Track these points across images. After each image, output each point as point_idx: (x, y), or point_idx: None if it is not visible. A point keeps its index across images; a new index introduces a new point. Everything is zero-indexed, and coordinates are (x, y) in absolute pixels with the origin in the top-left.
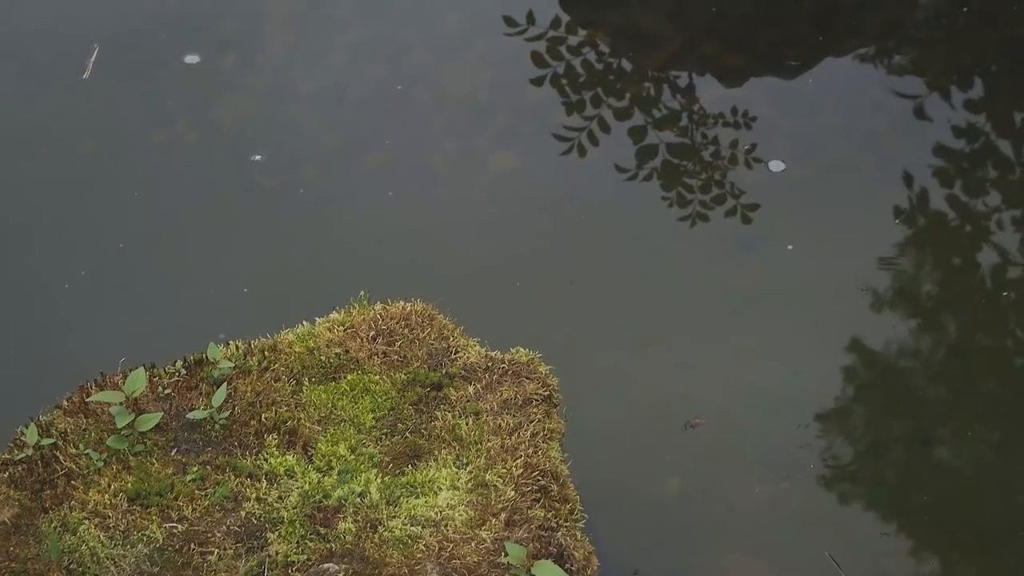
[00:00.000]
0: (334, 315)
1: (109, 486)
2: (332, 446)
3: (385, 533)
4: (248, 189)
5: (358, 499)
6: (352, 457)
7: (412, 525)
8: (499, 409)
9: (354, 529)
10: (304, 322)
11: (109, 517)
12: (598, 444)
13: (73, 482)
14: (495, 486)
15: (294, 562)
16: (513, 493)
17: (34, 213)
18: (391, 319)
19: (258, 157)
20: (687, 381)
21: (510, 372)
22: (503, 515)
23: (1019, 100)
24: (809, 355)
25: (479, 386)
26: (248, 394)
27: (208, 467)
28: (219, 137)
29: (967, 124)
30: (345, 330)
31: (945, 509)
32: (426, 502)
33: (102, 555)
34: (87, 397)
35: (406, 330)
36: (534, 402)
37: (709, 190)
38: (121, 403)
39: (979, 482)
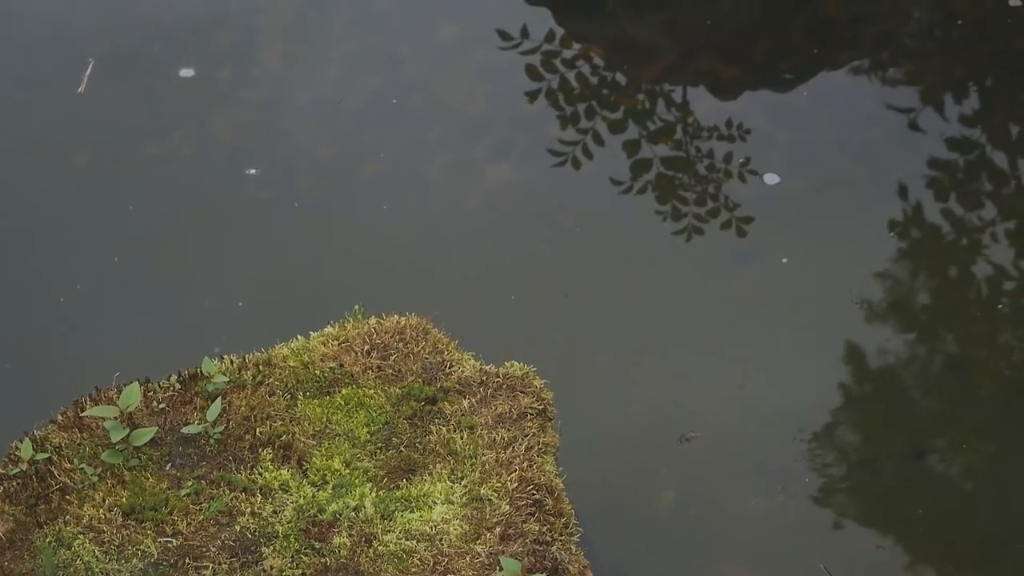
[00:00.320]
0: (329, 329)
1: (104, 501)
2: (327, 460)
3: (380, 547)
4: (243, 201)
5: (353, 513)
6: (347, 471)
7: (407, 539)
8: (494, 423)
9: (349, 543)
10: (299, 336)
11: (104, 532)
12: (593, 458)
13: (68, 497)
14: (490, 500)
15: None
16: (508, 507)
17: (30, 226)
18: (386, 333)
19: (253, 171)
20: (682, 394)
21: (505, 386)
22: (498, 529)
23: (1014, 112)
24: (804, 368)
25: (474, 400)
26: (243, 408)
27: (203, 482)
28: (215, 149)
29: (962, 136)
30: (340, 344)
31: (941, 521)
32: (421, 516)
33: (97, 570)
34: (81, 412)
35: (401, 344)
36: (529, 416)
37: (704, 203)
38: (116, 418)
39: (975, 494)
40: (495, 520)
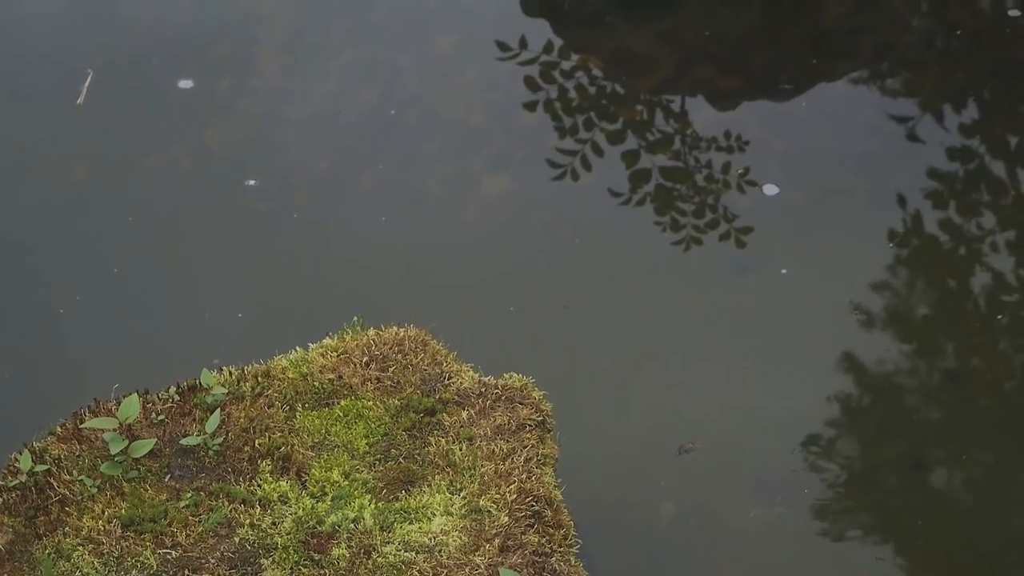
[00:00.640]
0: (327, 341)
1: (103, 512)
2: (326, 472)
3: (379, 559)
4: (242, 213)
5: (352, 525)
6: (346, 483)
7: (406, 551)
8: (493, 434)
9: (348, 555)
10: (297, 348)
11: (103, 543)
12: (592, 469)
13: (67, 508)
14: (489, 512)
15: None
16: (507, 519)
17: (28, 238)
18: (384, 345)
19: (252, 182)
20: (681, 405)
21: (503, 397)
22: (497, 541)
23: (1012, 122)
24: (803, 379)
25: (472, 412)
26: (242, 420)
27: (202, 493)
28: (213, 161)
29: (960, 147)
30: (338, 356)
31: (940, 532)
32: (420, 528)
33: None
34: (81, 423)
35: (399, 356)
36: (528, 427)
37: (703, 214)
38: (115, 429)
39: (974, 505)
40: (494, 532)
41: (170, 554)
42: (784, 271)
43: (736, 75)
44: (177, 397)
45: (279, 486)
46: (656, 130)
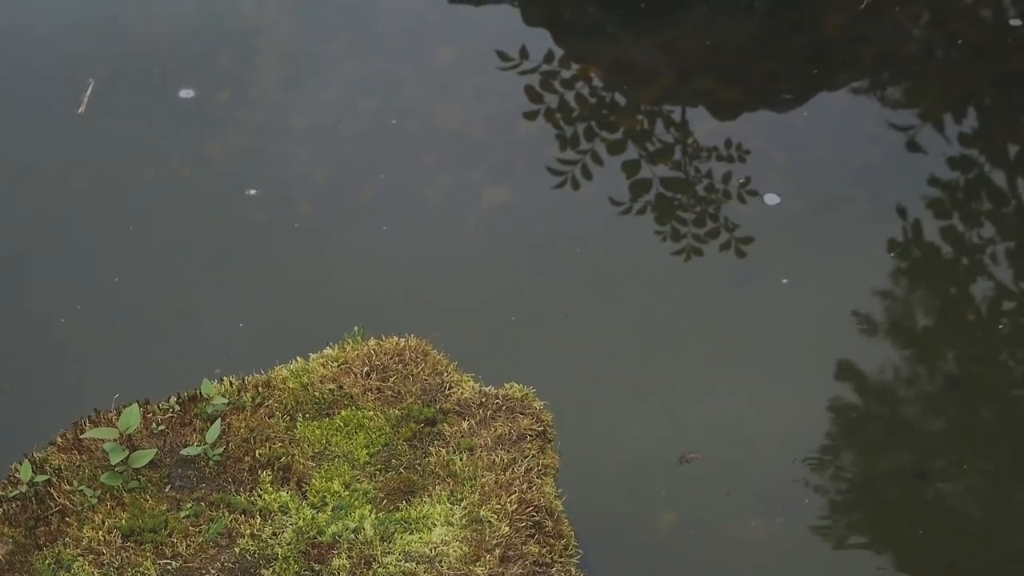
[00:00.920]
0: (328, 351)
1: (103, 523)
2: (326, 482)
3: (380, 570)
4: (242, 224)
5: (352, 535)
6: (346, 493)
7: (407, 561)
8: (493, 445)
9: (348, 566)
10: (298, 358)
11: (103, 554)
12: (593, 479)
13: (67, 519)
14: (489, 522)
15: None
16: (507, 529)
17: (29, 248)
18: (385, 355)
19: (252, 192)
20: (682, 415)
21: (504, 407)
22: (497, 551)
23: (1013, 132)
24: (804, 389)
25: (473, 422)
26: (242, 430)
27: (202, 504)
28: (213, 172)
29: (961, 156)
30: (339, 366)
31: (941, 542)
32: (420, 538)
33: None
34: (81, 433)
35: (400, 366)
36: (528, 437)
37: (703, 224)
38: (115, 440)
39: (975, 515)
40: (495, 542)
41: (170, 565)
42: (785, 281)
43: (737, 85)
44: (177, 407)
45: (279, 496)
46: (657, 140)
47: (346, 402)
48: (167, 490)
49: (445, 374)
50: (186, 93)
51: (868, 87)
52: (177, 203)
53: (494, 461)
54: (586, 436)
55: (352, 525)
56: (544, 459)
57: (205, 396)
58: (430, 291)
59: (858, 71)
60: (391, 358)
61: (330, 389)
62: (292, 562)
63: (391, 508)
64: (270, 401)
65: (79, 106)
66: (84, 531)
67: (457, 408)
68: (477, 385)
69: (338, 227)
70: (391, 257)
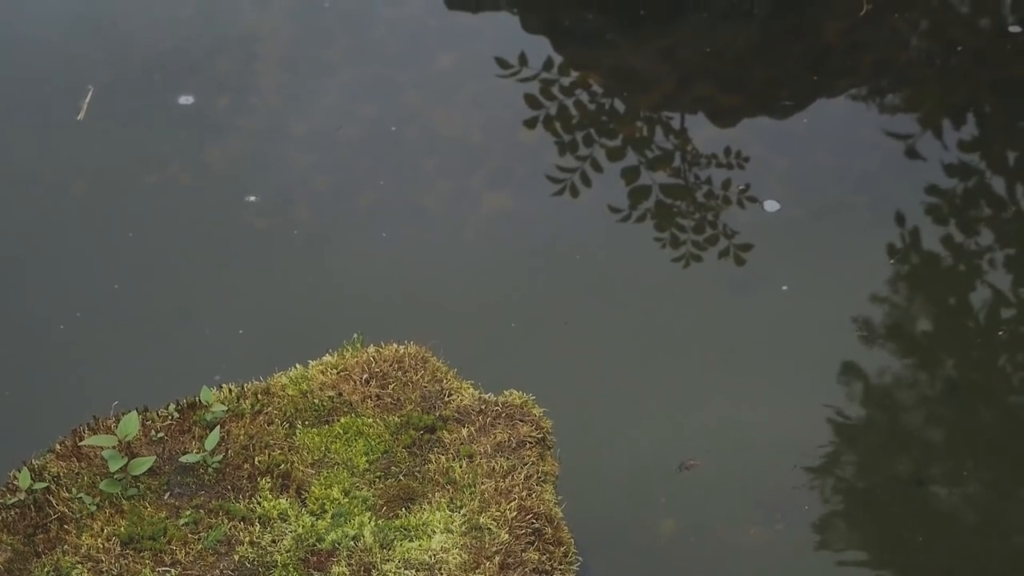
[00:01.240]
0: (327, 358)
1: (102, 530)
2: (325, 489)
3: None
4: (242, 230)
5: (352, 542)
6: (346, 500)
7: (406, 569)
8: (493, 452)
9: (348, 573)
10: (297, 365)
11: (102, 561)
12: (593, 486)
13: (66, 526)
14: (489, 529)
15: None
16: (507, 536)
17: (28, 254)
18: (384, 362)
19: (252, 198)
20: (681, 422)
21: (504, 415)
22: (497, 558)
23: (1012, 139)
24: (804, 395)
25: (473, 429)
26: (241, 437)
27: (201, 511)
28: (213, 178)
29: (960, 163)
30: (338, 373)
31: (941, 549)
32: (420, 545)
33: None
34: (80, 441)
35: (399, 373)
36: (528, 445)
37: (703, 230)
38: (114, 447)
39: (975, 521)
40: (494, 549)
41: (169, 572)
42: (785, 287)
43: (736, 92)
44: (176, 414)
45: (279, 503)
46: (656, 147)
47: (345, 409)
48: (166, 497)
49: (444, 381)
50: (185, 99)
51: (868, 94)
52: (177, 209)
53: (493, 468)
54: (586, 443)
55: (351, 532)
56: (543, 466)
57: (204, 403)
58: (429, 298)
59: (858, 78)
60: (390, 365)
61: (329, 396)
62: (291, 569)
63: (391, 515)
64: (269, 408)
65: (79, 112)
66: (83, 538)
67: (456, 415)
68: (476, 392)
69: (337, 233)
70: (390, 263)
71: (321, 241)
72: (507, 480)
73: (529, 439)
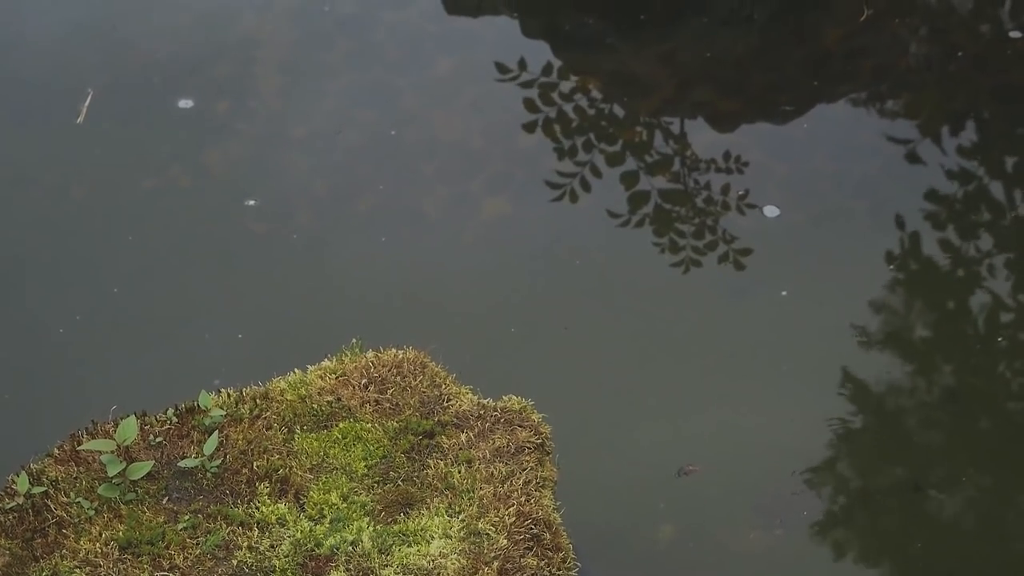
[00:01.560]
0: (326, 363)
1: (100, 535)
2: (324, 494)
3: None
4: (241, 234)
5: (350, 548)
6: (344, 505)
7: (405, 574)
8: (491, 457)
9: None
10: (296, 369)
11: (100, 566)
12: (591, 492)
13: (64, 531)
14: (488, 534)
15: None
16: (506, 542)
17: (27, 257)
18: (383, 367)
19: (251, 203)
20: (680, 427)
21: (502, 420)
22: (496, 564)
23: (1011, 144)
24: (803, 401)
25: (471, 434)
26: (240, 442)
27: (199, 515)
28: (212, 182)
29: (959, 168)
30: (337, 378)
31: (939, 554)
32: (419, 551)
33: None
34: (78, 445)
35: (398, 378)
36: (526, 450)
37: (702, 236)
38: (112, 451)
39: (974, 527)
40: (493, 555)
41: None
42: (784, 293)
43: (736, 97)
44: (175, 419)
45: (277, 508)
46: (655, 152)
47: (344, 414)
48: (164, 502)
49: (443, 386)
50: (185, 103)
51: (868, 99)
52: (176, 213)
53: (492, 473)
54: (584, 448)
55: (350, 537)
56: (542, 471)
57: (203, 408)
58: (428, 302)
59: (858, 83)
60: (389, 370)
61: (328, 401)
62: (290, 574)
63: (389, 520)
64: (268, 413)
65: (78, 115)
66: (81, 543)
67: (455, 420)
68: (475, 397)
69: (337, 237)
70: (389, 268)
71: (320, 245)
72: (506, 485)
73: (528, 444)
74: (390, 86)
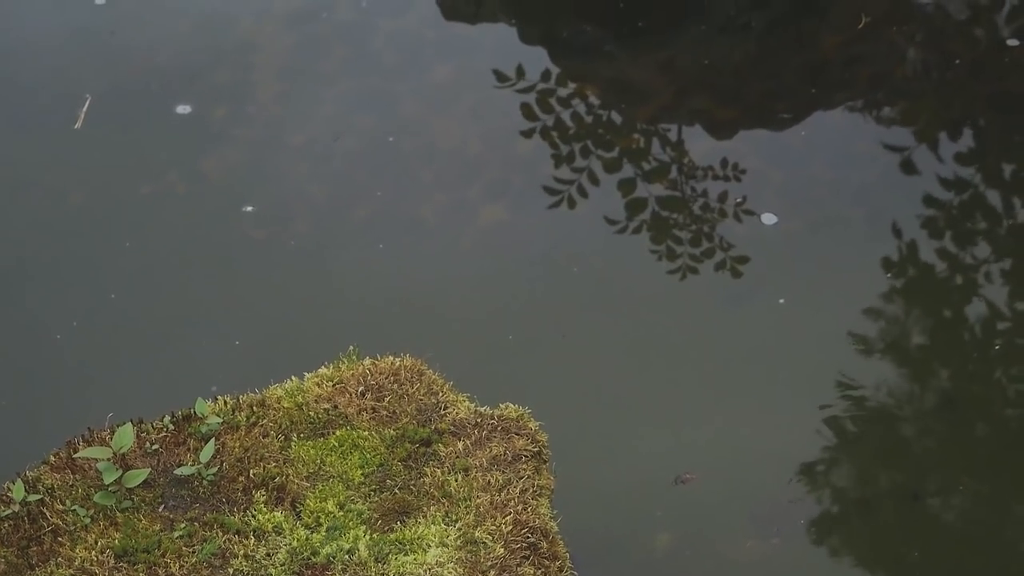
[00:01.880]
0: (323, 370)
1: (96, 543)
2: (320, 502)
3: None
4: (238, 241)
5: (346, 556)
6: (340, 513)
7: None
8: (488, 465)
9: None
10: (293, 377)
11: (96, 574)
12: (588, 500)
13: (60, 538)
14: (484, 543)
15: None
16: (502, 550)
17: (24, 263)
18: (380, 374)
19: (249, 209)
20: (677, 435)
21: (499, 428)
22: (492, 572)
23: (1008, 152)
24: (799, 408)
25: (468, 442)
26: (236, 450)
27: (196, 523)
28: (210, 188)
29: (956, 176)
30: (334, 385)
31: (937, 563)
32: (415, 559)
33: None
34: (74, 453)
35: (395, 385)
36: (523, 458)
37: (699, 243)
38: (108, 459)
39: (971, 535)
40: (489, 563)
41: None
42: (781, 300)
43: (734, 104)
44: (171, 426)
45: (273, 516)
46: (653, 159)
47: (341, 422)
48: (161, 510)
49: (440, 394)
50: (183, 109)
51: (865, 106)
52: (173, 219)
53: (489, 482)
54: (582, 456)
55: (346, 546)
56: (539, 480)
57: (199, 415)
58: (426, 310)
59: (855, 91)
60: (386, 377)
61: (325, 409)
62: None
63: (386, 529)
64: (264, 420)
65: (76, 121)
66: (77, 551)
67: (452, 428)
68: (472, 405)
69: (334, 244)
70: (387, 275)
71: (318, 252)
72: (502, 494)
73: (525, 452)
74: (388, 93)
